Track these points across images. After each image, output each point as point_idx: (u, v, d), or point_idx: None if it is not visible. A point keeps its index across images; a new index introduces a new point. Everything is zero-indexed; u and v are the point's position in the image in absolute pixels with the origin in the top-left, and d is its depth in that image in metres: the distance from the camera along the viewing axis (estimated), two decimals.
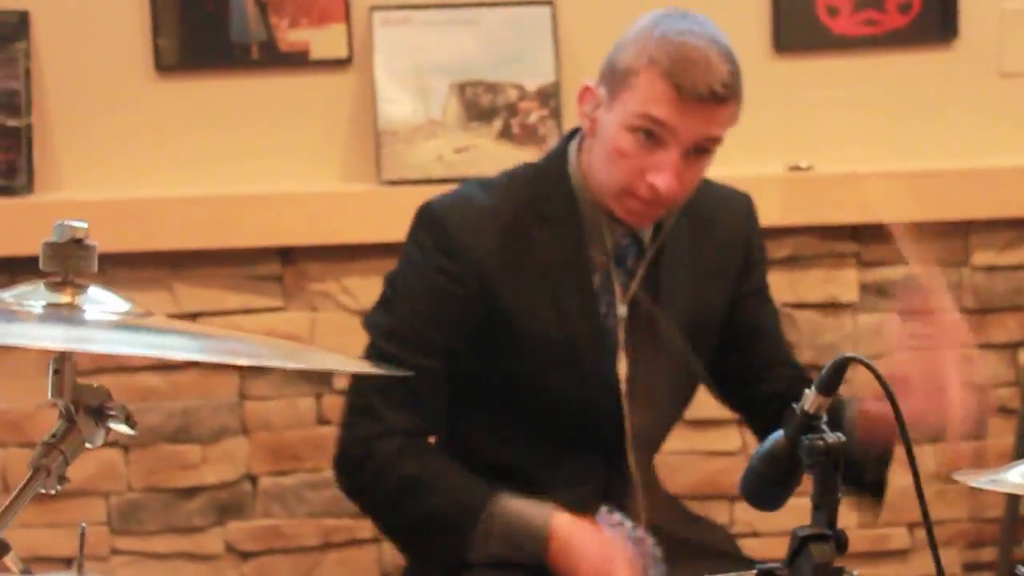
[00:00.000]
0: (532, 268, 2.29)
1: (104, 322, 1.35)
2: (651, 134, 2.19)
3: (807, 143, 3.34)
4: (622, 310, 2.33)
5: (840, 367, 1.61)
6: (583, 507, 2.30)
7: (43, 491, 1.34)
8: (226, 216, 3.19)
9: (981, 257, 3.40)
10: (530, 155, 3.17)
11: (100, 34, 3.20)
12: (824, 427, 1.62)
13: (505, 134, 3.24)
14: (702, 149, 2.24)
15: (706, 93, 2.17)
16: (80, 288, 1.36)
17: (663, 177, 2.18)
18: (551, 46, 3.26)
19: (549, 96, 3.25)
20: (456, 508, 2.21)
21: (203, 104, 3.23)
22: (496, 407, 2.34)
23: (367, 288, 3.07)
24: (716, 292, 2.42)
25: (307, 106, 3.25)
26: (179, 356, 1.39)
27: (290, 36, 3.22)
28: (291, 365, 1.59)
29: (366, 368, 1.90)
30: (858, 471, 2.17)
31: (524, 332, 2.28)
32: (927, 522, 1.64)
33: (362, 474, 2.27)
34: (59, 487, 1.35)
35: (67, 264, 1.35)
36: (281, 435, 3.25)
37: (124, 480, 3.24)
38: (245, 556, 3.27)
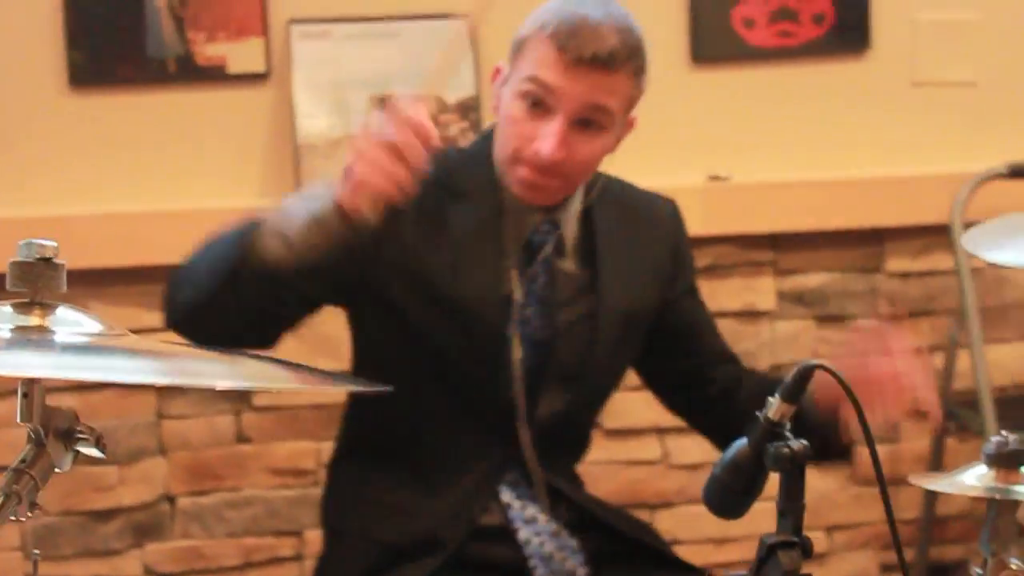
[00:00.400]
0: (443, 237, 2.26)
1: (77, 346, 1.32)
2: (538, 102, 2.18)
3: (726, 153, 3.36)
4: (518, 294, 2.30)
5: (805, 374, 1.62)
6: (480, 486, 2.31)
7: (13, 519, 1.30)
8: (142, 233, 3.14)
9: (895, 264, 3.45)
10: None
11: (11, 47, 3.14)
12: (788, 434, 1.63)
13: None
14: (591, 121, 2.21)
15: (588, 57, 2.16)
16: (48, 308, 1.33)
17: (547, 142, 2.17)
18: (470, 60, 3.25)
19: (469, 109, 3.24)
20: (235, 226, 2.11)
21: (118, 120, 3.18)
22: (392, 377, 2.30)
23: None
24: (648, 291, 2.42)
25: (225, 121, 3.21)
26: (163, 382, 1.35)
27: (207, 50, 3.18)
28: (284, 386, 1.55)
29: (370, 387, 1.81)
30: (823, 438, 2.16)
31: (420, 285, 2.24)
32: (891, 523, 1.64)
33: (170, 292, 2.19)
34: (30, 514, 1.32)
35: (36, 284, 1.32)
36: (200, 454, 3.21)
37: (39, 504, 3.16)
38: None
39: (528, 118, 2.19)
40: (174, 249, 3.11)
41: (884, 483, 1.64)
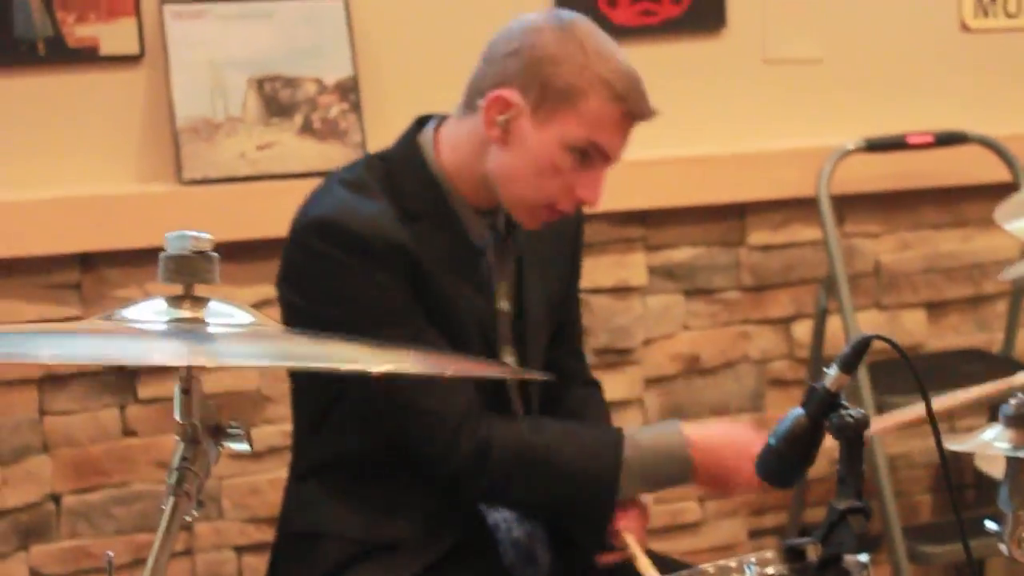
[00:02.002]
0: (433, 258, 2.26)
1: (231, 335, 1.29)
2: (586, 155, 2.22)
3: None
4: (504, 305, 2.34)
5: (862, 346, 1.68)
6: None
7: (187, 518, 1.27)
8: (18, 222, 3.02)
9: (757, 237, 3.56)
10: (333, 149, 3.15)
11: None
12: (844, 403, 1.69)
13: (307, 129, 3.19)
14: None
15: (649, 114, 2.27)
16: (201, 302, 1.30)
17: (595, 193, 2.26)
18: (347, 39, 3.22)
19: (348, 90, 3.21)
20: (592, 466, 2.23)
21: None
22: None
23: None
24: (558, 280, 2.48)
25: (99, 104, 3.10)
26: (316, 367, 1.33)
27: (78, 31, 3.07)
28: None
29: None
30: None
31: (442, 317, 2.25)
32: (951, 491, 1.71)
33: (482, 477, 2.23)
34: (195, 512, 1.28)
35: (191, 277, 1.28)
36: (85, 450, 3.10)
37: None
38: None
39: (572, 169, 2.23)
40: (51, 238, 3.04)
41: (946, 461, 1.70)
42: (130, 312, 1.29)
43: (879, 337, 1.69)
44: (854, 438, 1.67)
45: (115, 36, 3.10)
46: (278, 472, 3.11)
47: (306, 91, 3.20)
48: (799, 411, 1.71)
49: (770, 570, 1.70)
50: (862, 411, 1.68)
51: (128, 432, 3.13)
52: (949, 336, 3.71)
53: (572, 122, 2.19)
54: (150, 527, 3.14)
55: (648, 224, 3.47)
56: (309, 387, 2.35)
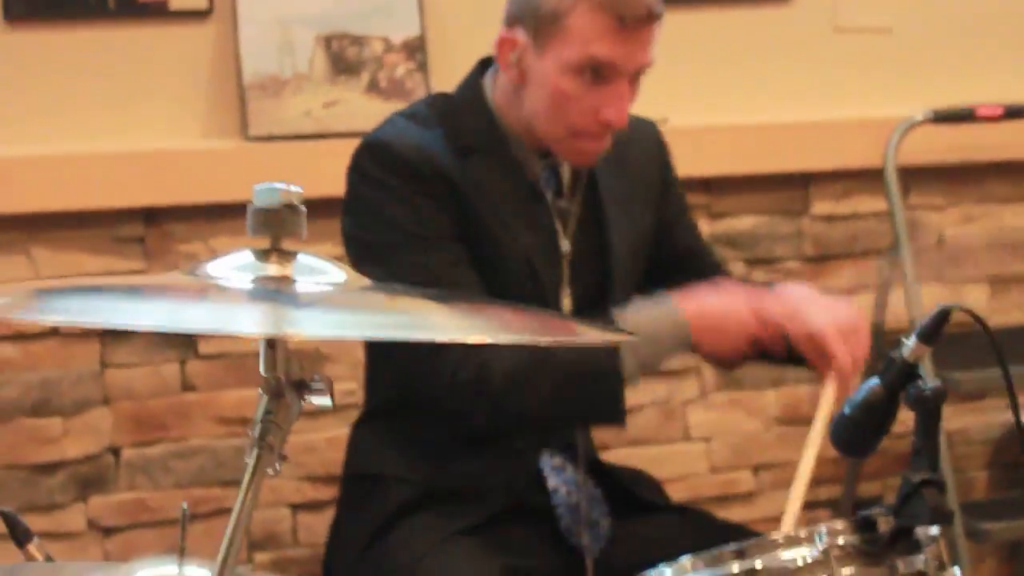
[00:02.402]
0: (483, 192, 2.27)
1: (319, 301, 1.28)
2: (597, 72, 2.20)
3: (659, 97, 3.38)
4: (565, 245, 2.34)
5: (942, 317, 1.67)
6: (526, 449, 2.33)
7: (269, 472, 1.27)
8: (85, 176, 3.03)
9: (820, 207, 3.54)
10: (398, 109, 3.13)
11: None
12: (921, 374, 1.68)
13: (373, 88, 3.18)
14: (638, 74, 2.27)
15: (645, 14, 2.20)
16: (289, 256, 1.29)
17: (616, 110, 2.21)
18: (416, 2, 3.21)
19: (415, 49, 3.20)
20: (594, 357, 2.18)
21: (57, 57, 3.05)
22: None
23: (236, 249, 2.97)
24: (644, 215, 2.46)
25: (167, 59, 3.11)
26: (407, 337, 1.32)
27: None
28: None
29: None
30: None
31: (488, 252, 2.26)
32: None
33: (484, 396, 2.18)
34: (278, 466, 1.29)
35: (278, 231, 1.28)
36: (145, 404, 3.12)
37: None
38: (108, 532, 3.12)
39: (586, 92, 2.20)
40: (117, 192, 3.05)
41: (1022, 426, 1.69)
42: (215, 266, 1.28)
43: (961, 308, 1.68)
44: (931, 409, 1.66)
45: None
46: (334, 431, 3.11)
47: (373, 50, 3.19)
48: (875, 380, 1.70)
49: (840, 540, 1.69)
50: (938, 383, 1.67)
51: (188, 387, 3.14)
52: (1013, 312, 3.68)
53: (564, 43, 2.19)
54: (207, 481, 3.16)
55: (711, 191, 3.45)
56: None
